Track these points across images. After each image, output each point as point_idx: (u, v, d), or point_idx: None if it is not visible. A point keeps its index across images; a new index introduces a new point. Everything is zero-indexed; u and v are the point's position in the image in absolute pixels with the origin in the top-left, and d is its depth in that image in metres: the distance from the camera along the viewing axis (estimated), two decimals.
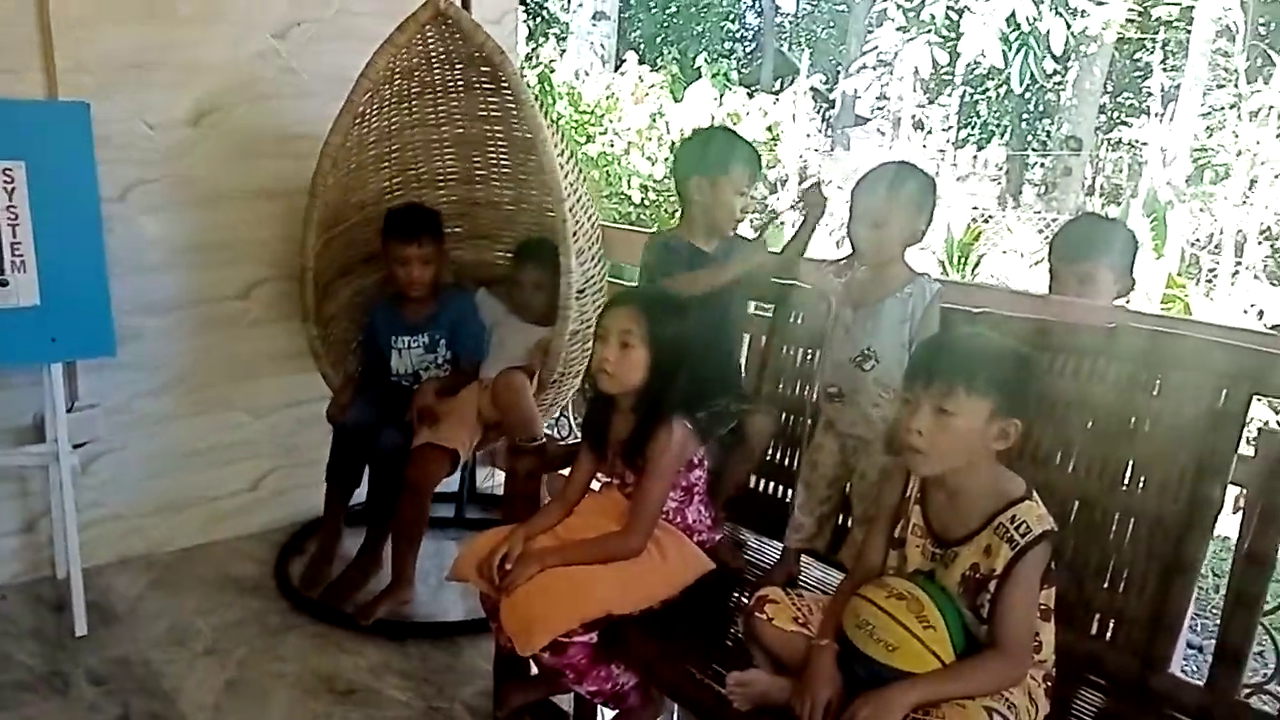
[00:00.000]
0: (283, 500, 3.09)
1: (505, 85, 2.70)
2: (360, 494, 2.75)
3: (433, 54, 2.72)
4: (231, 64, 2.78)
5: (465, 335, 2.74)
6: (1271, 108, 7.72)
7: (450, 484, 3.06)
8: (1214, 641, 1.56)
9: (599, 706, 1.97)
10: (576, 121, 7.72)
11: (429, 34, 2.62)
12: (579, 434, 3.27)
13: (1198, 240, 6.88)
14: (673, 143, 7.69)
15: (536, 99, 2.62)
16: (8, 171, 2.20)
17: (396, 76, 2.70)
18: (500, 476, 3.12)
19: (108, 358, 2.50)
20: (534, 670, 2.00)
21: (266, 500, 3.09)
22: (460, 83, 2.83)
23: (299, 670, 2.37)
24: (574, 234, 2.49)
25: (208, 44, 2.73)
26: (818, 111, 10.14)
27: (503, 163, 2.99)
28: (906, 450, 1.46)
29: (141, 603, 2.65)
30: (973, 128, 13.52)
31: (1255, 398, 1.56)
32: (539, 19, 12.15)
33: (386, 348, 2.76)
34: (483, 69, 2.75)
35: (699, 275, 2.12)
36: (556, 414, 3.04)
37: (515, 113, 2.80)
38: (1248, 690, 1.73)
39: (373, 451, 2.59)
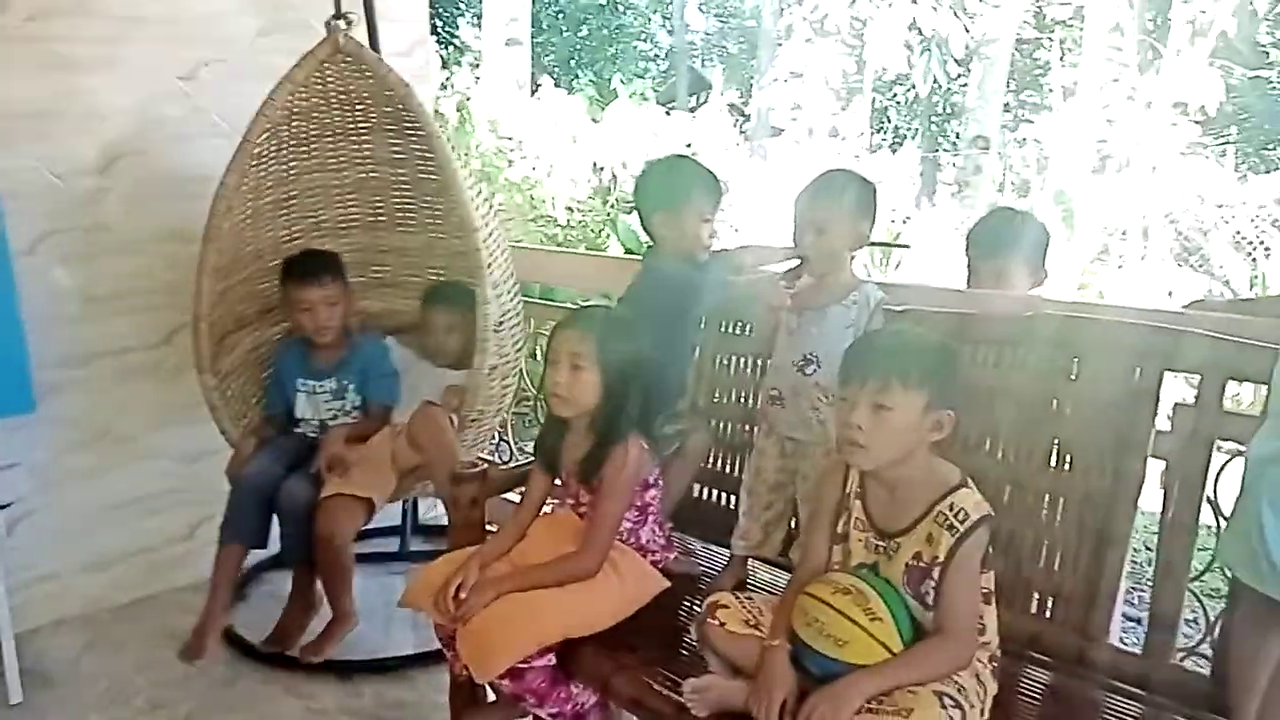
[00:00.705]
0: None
1: (411, 123, 2.61)
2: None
3: (332, 93, 2.63)
4: (138, 107, 2.73)
5: (376, 381, 2.62)
6: (1163, 98, 8.08)
7: (393, 517, 3.02)
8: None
9: None
10: (497, 148, 7.71)
11: (328, 71, 2.55)
12: (521, 458, 3.27)
13: (1105, 228, 7.13)
14: (594, 163, 7.73)
15: (450, 133, 2.60)
16: None
17: (295, 117, 2.60)
18: (443, 507, 3.09)
19: (28, 414, 2.42)
20: (491, 697, 1.98)
21: (202, 549, 2.98)
22: (364, 124, 2.74)
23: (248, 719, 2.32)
24: (489, 266, 2.42)
25: (111, 89, 2.67)
26: (734, 125, 10.27)
27: (409, 205, 2.89)
28: (846, 446, 1.49)
29: (79, 664, 2.57)
30: (885, 133, 13.85)
31: (1167, 374, 1.64)
32: (451, 47, 12.12)
33: (292, 392, 2.64)
34: (386, 108, 2.66)
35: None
36: (487, 449, 2.96)
37: (422, 151, 2.70)
38: (1182, 654, 1.81)
39: (279, 505, 2.42)
